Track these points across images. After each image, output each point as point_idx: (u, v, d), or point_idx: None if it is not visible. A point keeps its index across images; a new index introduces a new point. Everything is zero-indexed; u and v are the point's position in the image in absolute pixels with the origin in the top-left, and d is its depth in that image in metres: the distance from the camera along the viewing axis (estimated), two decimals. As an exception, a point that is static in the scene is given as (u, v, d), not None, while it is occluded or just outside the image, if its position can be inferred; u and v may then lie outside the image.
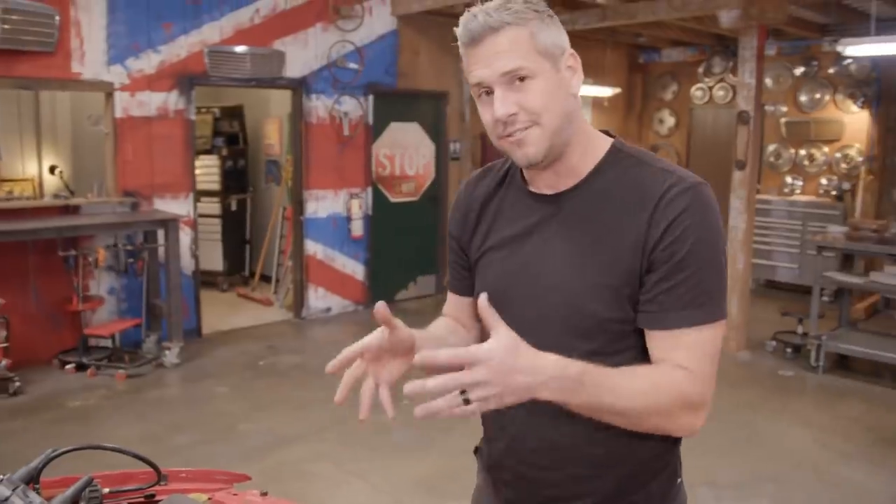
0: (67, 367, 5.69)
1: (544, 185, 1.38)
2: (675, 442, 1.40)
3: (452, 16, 7.58)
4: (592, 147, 1.37)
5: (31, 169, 7.59)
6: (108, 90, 6.08)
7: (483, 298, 1.10)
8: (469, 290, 1.54)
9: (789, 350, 6.42)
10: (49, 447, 1.40)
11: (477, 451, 1.58)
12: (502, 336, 1.08)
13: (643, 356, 1.30)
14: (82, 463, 1.66)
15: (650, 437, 1.30)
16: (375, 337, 1.27)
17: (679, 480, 1.44)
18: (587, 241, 1.31)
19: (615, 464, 1.35)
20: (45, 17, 5.60)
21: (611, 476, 1.35)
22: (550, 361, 1.12)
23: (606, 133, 1.41)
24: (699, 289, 1.25)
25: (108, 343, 5.99)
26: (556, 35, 1.29)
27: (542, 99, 1.26)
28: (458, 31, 1.28)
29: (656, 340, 1.27)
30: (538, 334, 1.27)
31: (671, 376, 1.23)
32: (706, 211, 1.26)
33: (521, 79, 1.25)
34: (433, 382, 1.03)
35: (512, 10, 1.24)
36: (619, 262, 1.27)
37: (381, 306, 1.21)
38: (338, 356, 1.26)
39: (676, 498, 1.43)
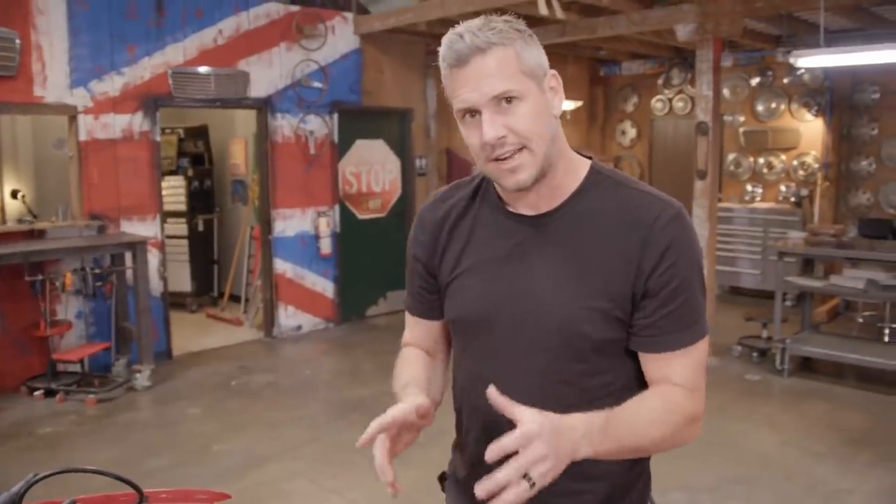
0: (36, 393, 5.61)
1: (525, 205, 1.36)
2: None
3: (415, 34, 7.67)
4: (574, 168, 1.36)
5: (-8, 194, 7.49)
6: (72, 113, 6.04)
7: (492, 391, 1.11)
8: (435, 314, 1.51)
9: (755, 354, 6.54)
10: (20, 476, 1.40)
11: (443, 478, 1.57)
12: (528, 412, 1.10)
13: (632, 373, 1.34)
14: (63, 487, 1.67)
15: None
16: (403, 412, 1.25)
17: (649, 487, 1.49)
18: (575, 264, 1.31)
19: (605, 477, 1.37)
20: (6, 41, 5.58)
21: (601, 488, 1.37)
22: (578, 420, 1.15)
23: (580, 153, 1.42)
24: (689, 310, 1.30)
25: (77, 368, 5.92)
26: (538, 55, 1.29)
27: (531, 121, 1.25)
28: (443, 51, 1.26)
29: (653, 362, 1.32)
30: (528, 358, 1.33)
31: (674, 399, 1.28)
32: (692, 236, 1.32)
33: (509, 100, 1.23)
34: (503, 475, 1.06)
35: (497, 30, 1.23)
36: (610, 285, 1.29)
37: (425, 404, 1.24)
38: (369, 429, 1.23)
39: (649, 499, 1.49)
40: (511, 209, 1.39)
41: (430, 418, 1.31)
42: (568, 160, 1.36)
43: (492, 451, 1.08)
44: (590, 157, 1.42)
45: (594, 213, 1.33)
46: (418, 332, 1.57)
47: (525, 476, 1.07)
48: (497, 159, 1.27)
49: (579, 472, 1.32)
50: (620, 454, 1.24)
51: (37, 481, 1.43)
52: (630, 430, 1.22)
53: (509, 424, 1.11)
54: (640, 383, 1.35)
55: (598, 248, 1.30)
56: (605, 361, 1.33)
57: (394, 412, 1.24)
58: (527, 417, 1.09)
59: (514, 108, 1.24)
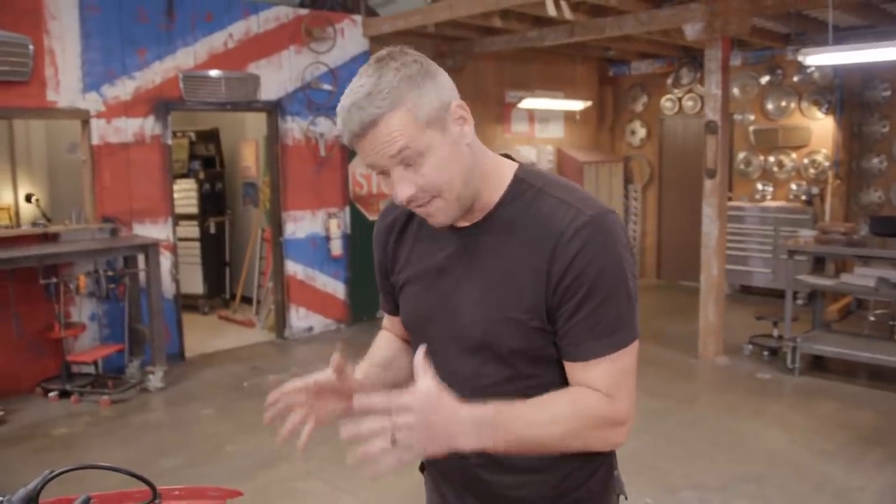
0: (51, 394, 5.68)
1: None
2: None
3: (423, 36, 7.70)
4: (497, 180, 1.38)
5: (6, 198, 7.57)
6: (85, 118, 6.11)
7: (419, 355, 1.19)
8: (399, 311, 1.59)
9: (766, 353, 6.54)
10: (35, 476, 1.42)
11: (423, 468, 1.63)
12: (423, 385, 1.16)
13: (561, 376, 1.36)
14: (77, 485, 1.70)
15: None
16: (324, 377, 1.37)
17: (616, 473, 1.50)
18: (494, 276, 1.34)
19: (552, 469, 1.40)
20: (19, 46, 5.64)
21: (548, 480, 1.41)
22: (465, 408, 1.20)
23: (508, 157, 1.43)
24: (608, 318, 1.28)
25: (91, 369, 5.99)
26: (435, 97, 1.25)
27: (438, 174, 1.26)
28: (339, 126, 1.27)
29: (573, 371, 1.33)
30: (459, 363, 1.40)
31: (585, 400, 1.29)
32: (606, 241, 1.28)
33: (410, 163, 1.25)
34: (366, 427, 1.13)
35: (383, 93, 1.20)
36: (523, 297, 1.31)
37: (337, 358, 1.33)
38: (283, 386, 1.37)
39: (616, 489, 1.50)
40: None
41: (348, 379, 1.40)
42: (488, 179, 1.36)
43: (357, 403, 1.16)
44: (516, 161, 1.43)
45: (513, 225, 1.35)
46: (391, 324, 1.68)
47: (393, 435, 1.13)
48: (417, 206, 1.32)
49: (525, 465, 1.39)
50: (523, 448, 1.26)
51: (53, 477, 1.46)
52: (526, 425, 1.24)
53: None
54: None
55: (514, 261, 1.33)
56: (531, 367, 1.36)
57: (313, 377, 1.38)
58: (419, 385, 1.16)
59: (418, 167, 1.25)
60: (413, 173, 1.26)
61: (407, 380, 1.62)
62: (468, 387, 1.37)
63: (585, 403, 1.28)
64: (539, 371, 1.36)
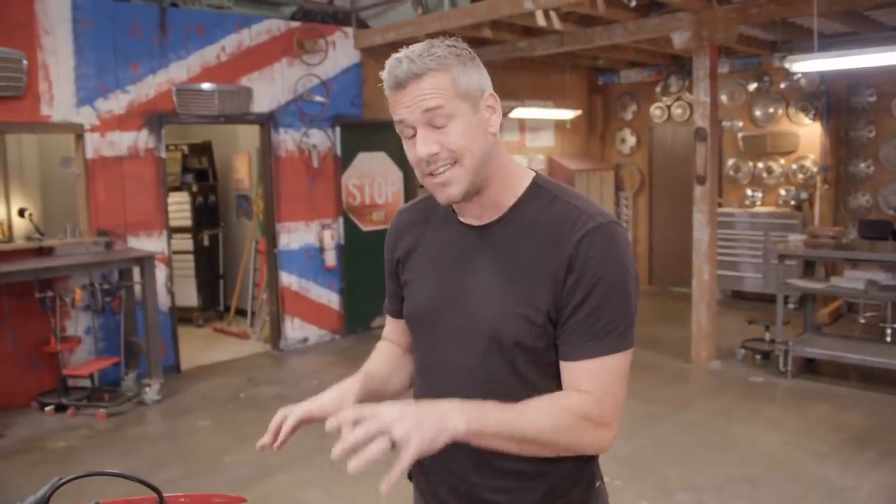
0: (47, 408, 5.68)
1: (471, 216, 1.48)
2: (591, 456, 1.49)
3: (415, 46, 7.74)
4: (513, 182, 1.46)
5: (-1, 213, 7.58)
6: (79, 132, 6.13)
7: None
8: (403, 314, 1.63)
9: (758, 357, 6.60)
10: (33, 490, 1.44)
11: (412, 476, 1.64)
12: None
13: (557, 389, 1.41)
14: (79, 496, 1.73)
15: (569, 455, 1.40)
16: (319, 411, 1.42)
17: (598, 484, 1.52)
18: (507, 273, 1.40)
19: (539, 477, 1.43)
20: (13, 61, 5.67)
21: (537, 488, 1.44)
22: (448, 400, 1.25)
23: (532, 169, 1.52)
24: (603, 321, 1.34)
25: (87, 383, 5.99)
26: (476, 78, 1.38)
27: (462, 139, 1.35)
28: (384, 75, 1.37)
29: (566, 371, 1.38)
30: (464, 358, 1.45)
31: (572, 399, 1.33)
32: (613, 250, 1.35)
33: (441, 121, 1.33)
34: (360, 433, 1.13)
35: (435, 56, 1.33)
36: (534, 294, 1.36)
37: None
38: (287, 423, 1.41)
39: (598, 499, 1.52)
40: (462, 220, 1.50)
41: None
42: (506, 174, 1.45)
43: (330, 422, 1.18)
44: (535, 172, 1.50)
45: (529, 226, 1.41)
46: (394, 331, 1.72)
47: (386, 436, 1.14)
48: (431, 174, 1.38)
49: (514, 474, 1.42)
50: (513, 442, 1.27)
51: (61, 484, 1.49)
52: (518, 417, 1.26)
53: None
54: None
55: (528, 259, 1.39)
56: (533, 368, 1.40)
57: (307, 408, 1.43)
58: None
59: (446, 128, 1.34)
60: (438, 134, 1.34)
61: (405, 392, 1.67)
62: (471, 382, 1.43)
63: (571, 402, 1.32)
64: (538, 378, 1.40)
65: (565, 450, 1.35)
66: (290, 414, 1.41)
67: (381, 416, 1.15)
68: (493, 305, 1.40)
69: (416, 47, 1.35)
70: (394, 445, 1.14)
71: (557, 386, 1.40)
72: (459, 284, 1.46)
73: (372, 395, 1.52)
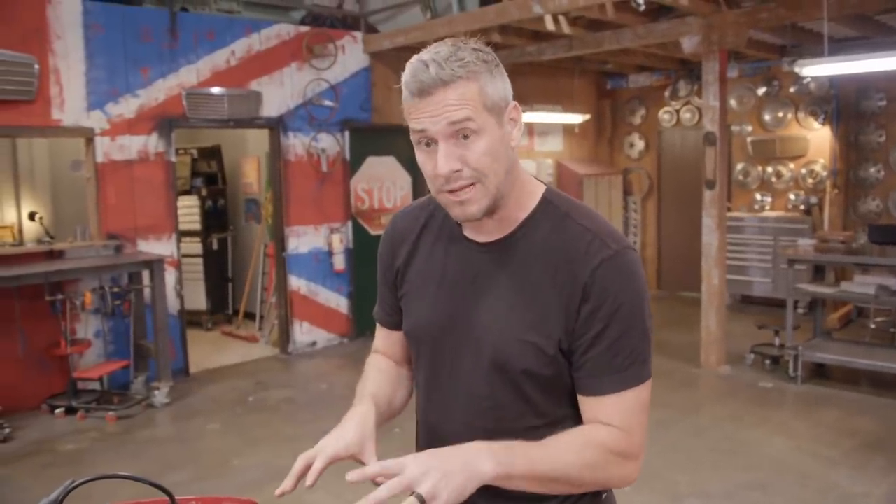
0: (57, 411, 5.70)
1: (478, 231, 1.39)
2: None
3: (424, 51, 7.75)
4: (527, 196, 1.38)
5: (9, 216, 7.62)
6: (89, 136, 6.16)
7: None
8: (399, 325, 1.54)
9: (768, 362, 6.57)
10: (42, 492, 1.45)
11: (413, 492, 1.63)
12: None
13: (573, 416, 1.36)
14: (89, 499, 1.73)
15: None
16: (344, 451, 1.33)
17: (604, 495, 1.46)
18: (515, 297, 1.33)
19: (544, 499, 1.36)
20: (25, 66, 5.70)
21: (550, 499, 1.37)
22: (472, 443, 1.19)
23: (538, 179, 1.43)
24: (624, 353, 1.29)
25: (97, 386, 6.01)
26: (502, 88, 1.28)
27: (486, 157, 1.25)
28: (406, 77, 1.25)
29: (587, 405, 1.32)
30: (468, 380, 1.38)
31: (597, 434, 1.28)
32: (630, 278, 1.29)
33: (466, 136, 1.23)
34: (385, 491, 1.10)
35: (463, 62, 1.22)
36: (544, 322, 1.30)
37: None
38: (316, 466, 1.33)
39: None
40: (467, 234, 1.41)
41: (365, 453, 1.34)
42: (521, 189, 1.36)
43: (352, 476, 1.14)
44: (544, 183, 1.43)
45: (540, 246, 1.33)
46: (387, 341, 1.62)
47: (414, 494, 1.10)
48: (450, 191, 1.28)
49: (519, 494, 1.32)
50: (540, 482, 1.23)
51: (74, 487, 1.49)
52: (544, 456, 1.22)
53: (455, 441, 1.20)
54: (580, 421, 1.35)
55: (539, 284, 1.31)
56: (541, 395, 1.35)
57: (329, 453, 1.32)
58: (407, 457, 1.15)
59: (471, 143, 1.24)
60: (462, 149, 1.24)
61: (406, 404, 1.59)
62: (474, 406, 1.37)
63: (596, 436, 1.28)
64: (547, 404, 1.35)
65: (592, 485, 1.31)
66: (318, 457, 1.32)
67: (406, 472, 1.11)
68: (500, 331, 1.33)
69: (442, 50, 1.24)
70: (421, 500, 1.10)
71: (568, 411, 1.36)
72: (464, 305, 1.38)
73: (380, 419, 1.45)
